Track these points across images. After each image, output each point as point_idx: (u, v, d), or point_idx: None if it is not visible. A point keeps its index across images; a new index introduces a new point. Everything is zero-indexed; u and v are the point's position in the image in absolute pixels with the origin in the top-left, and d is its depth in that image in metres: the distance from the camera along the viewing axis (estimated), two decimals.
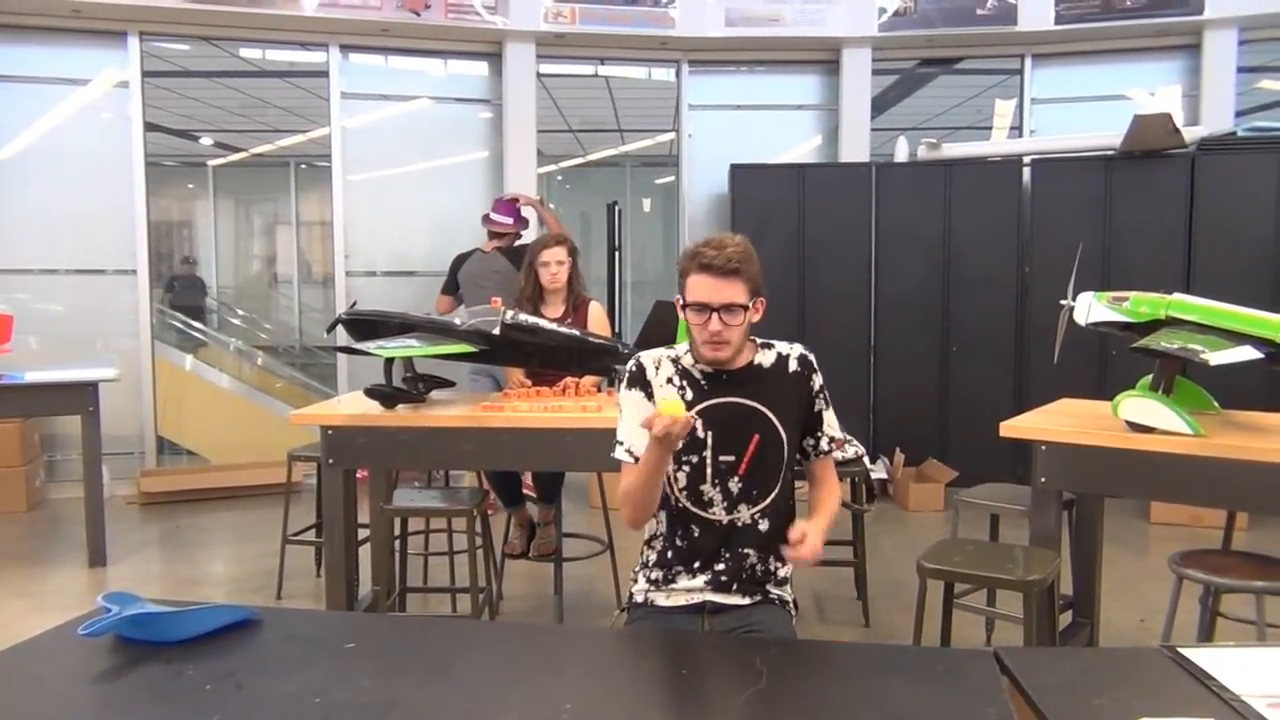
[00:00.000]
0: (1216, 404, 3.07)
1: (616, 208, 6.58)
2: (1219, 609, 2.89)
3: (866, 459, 4.45)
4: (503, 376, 4.55)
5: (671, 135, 7.12)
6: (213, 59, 6.59)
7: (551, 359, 3.49)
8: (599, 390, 3.55)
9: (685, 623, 2.10)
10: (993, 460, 5.14)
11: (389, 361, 3.37)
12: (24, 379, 4.55)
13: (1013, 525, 3.68)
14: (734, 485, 2.10)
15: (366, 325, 3.55)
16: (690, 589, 2.12)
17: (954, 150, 6.35)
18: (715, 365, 2.11)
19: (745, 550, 2.12)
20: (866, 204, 6.23)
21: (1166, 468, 2.75)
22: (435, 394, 3.61)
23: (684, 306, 2.07)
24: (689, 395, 2.12)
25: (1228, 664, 1.54)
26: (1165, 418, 2.75)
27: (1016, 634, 2.78)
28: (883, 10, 6.55)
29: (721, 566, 2.11)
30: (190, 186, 8.55)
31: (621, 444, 2.14)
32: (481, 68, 6.85)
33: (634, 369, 2.18)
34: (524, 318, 3.47)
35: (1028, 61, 6.75)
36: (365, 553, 3.79)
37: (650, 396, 2.14)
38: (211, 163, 8.10)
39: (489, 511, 3.91)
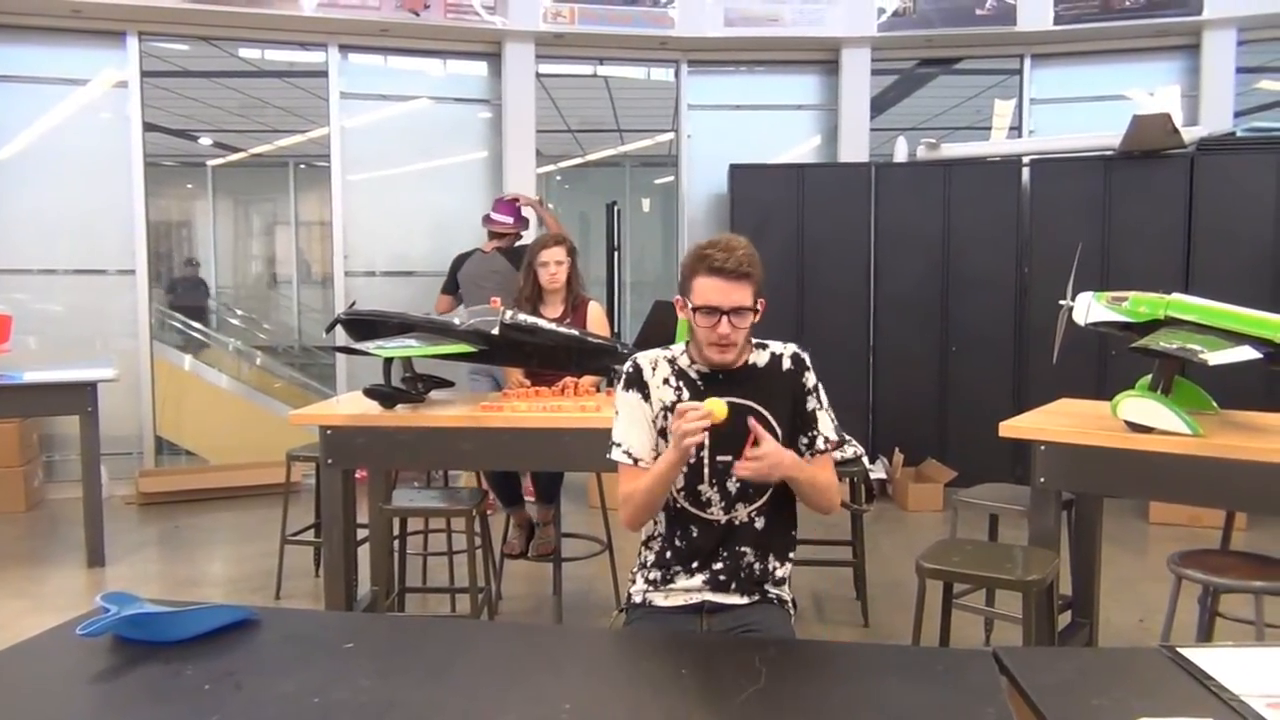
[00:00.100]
0: (1215, 404, 3.07)
1: (615, 208, 6.58)
2: (1218, 609, 2.89)
3: (865, 459, 4.44)
4: (502, 376, 4.55)
5: (671, 135, 7.12)
6: (212, 59, 6.59)
7: (550, 359, 3.49)
8: (598, 390, 3.55)
9: (684, 623, 2.10)
10: (992, 460, 5.15)
11: (388, 361, 3.37)
12: (22, 379, 4.55)
13: (1012, 525, 3.68)
14: (731, 485, 2.11)
15: (365, 325, 3.55)
16: (689, 589, 2.12)
17: (953, 150, 6.35)
18: (716, 366, 2.12)
19: (742, 549, 2.12)
20: (866, 204, 6.23)
21: (1165, 468, 2.75)
22: (434, 394, 3.61)
23: (691, 309, 2.07)
24: (685, 396, 2.12)
25: (1227, 664, 1.54)
26: (1164, 418, 2.75)
27: (1015, 634, 2.78)
28: (882, 10, 6.55)
29: (719, 566, 2.12)
30: (189, 187, 8.56)
31: (619, 445, 2.14)
32: (481, 68, 6.85)
33: (630, 370, 2.18)
34: (523, 318, 3.47)
35: (1027, 62, 6.76)
36: (364, 553, 3.79)
37: (647, 398, 2.14)
38: (211, 163, 8.10)
39: (488, 512, 3.91)
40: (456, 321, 3.45)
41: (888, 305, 6.25)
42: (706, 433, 1.97)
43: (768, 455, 1.96)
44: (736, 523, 2.12)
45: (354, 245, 6.62)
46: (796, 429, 2.16)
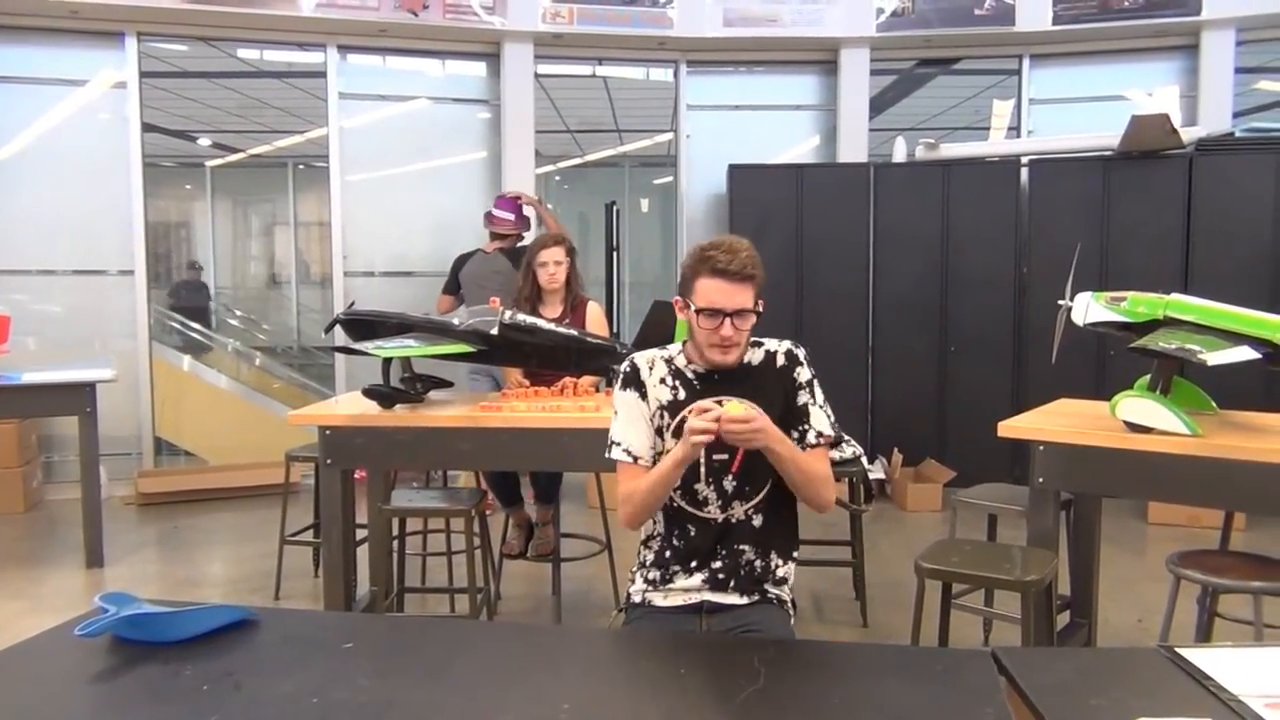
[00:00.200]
0: (1214, 404, 3.07)
1: (615, 208, 6.58)
2: (1216, 609, 2.90)
3: (864, 459, 4.44)
4: (501, 376, 4.55)
5: (670, 135, 7.12)
6: (210, 59, 6.59)
7: (550, 359, 3.49)
8: (597, 390, 3.56)
9: (683, 623, 2.10)
10: (991, 460, 5.15)
11: (387, 361, 3.37)
12: (21, 380, 4.54)
13: (1011, 525, 3.68)
14: (728, 484, 2.11)
15: (364, 325, 3.55)
16: (688, 588, 2.12)
17: (952, 150, 6.35)
18: (714, 367, 2.12)
19: (741, 547, 2.12)
20: (865, 204, 6.23)
21: (1164, 468, 2.76)
22: (433, 394, 3.61)
23: (693, 310, 2.06)
24: (682, 395, 2.12)
25: (1225, 664, 1.54)
26: (1163, 418, 2.75)
27: (1014, 634, 2.78)
28: (881, 10, 6.55)
29: (718, 564, 2.12)
30: (188, 187, 8.55)
31: (619, 444, 2.14)
32: (479, 68, 6.85)
33: (628, 370, 2.18)
34: (522, 318, 3.47)
35: (1026, 62, 6.76)
36: (363, 553, 3.79)
37: (644, 397, 2.15)
38: (209, 163, 8.10)
39: (487, 512, 3.92)
40: (455, 322, 3.45)
41: (887, 305, 6.25)
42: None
43: (755, 419, 1.95)
44: (733, 521, 2.12)
45: (353, 246, 6.62)
46: (787, 424, 2.13)
